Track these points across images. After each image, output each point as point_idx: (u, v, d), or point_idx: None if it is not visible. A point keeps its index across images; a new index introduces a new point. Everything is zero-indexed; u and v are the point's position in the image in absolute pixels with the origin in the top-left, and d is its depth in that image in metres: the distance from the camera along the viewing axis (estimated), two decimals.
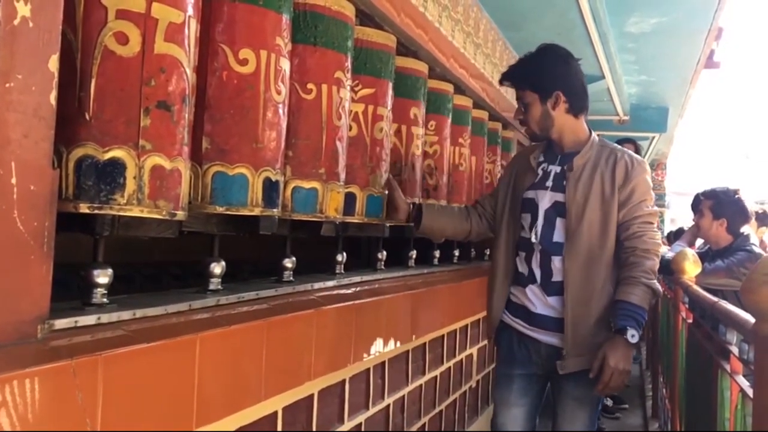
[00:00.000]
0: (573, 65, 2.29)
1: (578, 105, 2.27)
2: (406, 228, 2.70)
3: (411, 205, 2.50)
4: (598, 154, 2.24)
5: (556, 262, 2.22)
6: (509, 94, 4.54)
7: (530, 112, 2.27)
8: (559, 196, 2.24)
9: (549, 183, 2.28)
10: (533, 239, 2.25)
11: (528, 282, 2.28)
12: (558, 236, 2.22)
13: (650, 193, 2.24)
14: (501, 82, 2.39)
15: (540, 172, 2.32)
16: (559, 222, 2.22)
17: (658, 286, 2.12)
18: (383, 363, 2.47)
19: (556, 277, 2.22)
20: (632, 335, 2.03)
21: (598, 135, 2.37)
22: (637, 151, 4.71)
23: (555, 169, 2.29)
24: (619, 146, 2.32)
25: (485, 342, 3.72)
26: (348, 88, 2.18)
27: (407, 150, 2.80)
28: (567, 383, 2.23)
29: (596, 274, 2.17)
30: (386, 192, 2.49)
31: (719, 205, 3.73)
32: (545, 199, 2.26)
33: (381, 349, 2.41)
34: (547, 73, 2.24)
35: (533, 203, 2.29)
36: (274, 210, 1.83)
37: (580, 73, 2.30)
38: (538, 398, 2.37)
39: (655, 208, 2.23)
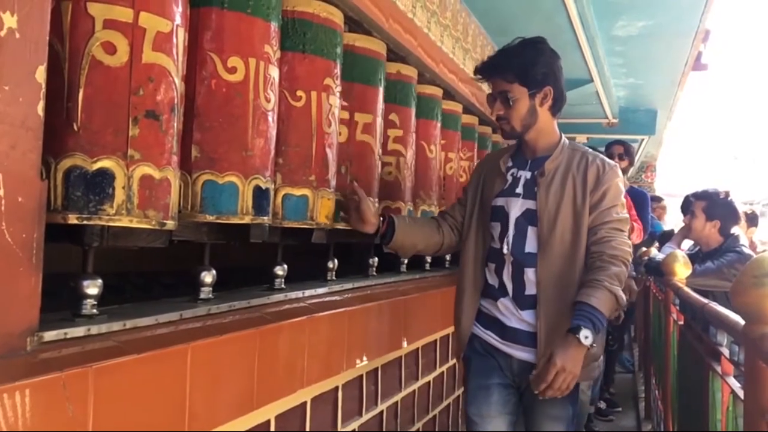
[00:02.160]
0: (560, 61, 2.16)
1: (560, 104, 2.16)
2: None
3: (381, 218, 2.26)
4: (570, 158, 2.12)
5: (530, 274, 2.07)
6: None
7: (516, 108, 2.08)
8: (530, 204, 2.09)
9: (519, 190, 2.13)
10: (504, 250, 2.10)
11: (499, 295, 2.13)
12: (530, 246, 2.08)
13: (621, 198, 2.11)
14: (481, 73, 2.16)
15: (509, 177, 2.17)
16: (530, 231, 2.08)
17: (622, 295, 1.97)
18: (376, 369, 2.46)
19: (530, 290, 2.07)
20: (585, 336, 1.85)
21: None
22: (628, 151, 4.70)
23: (525, 174, 2.15)
24: (591, 150, 2.20)
25: None
26: (337, 95, 2.18)
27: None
28: (541, 401, 2.02)
29: (570, 286, 2.03)
30: (349, 198, 2.31)
31: (713, 207, 3.74)
32: (516, 207, 2.11)
33: (374, 355, 2.41)
34: (541, 66, 2.08)
35: (503, 211, 2.13)
36: (265, 218, 1.83)
37: (563, 71, 2.18)
38: (516, 413, 2.18)
39: (626, 215, 2.11)
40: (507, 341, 2.11)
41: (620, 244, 2.04)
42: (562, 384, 1.85)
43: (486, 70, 2.14)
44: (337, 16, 2.17)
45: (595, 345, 1.90)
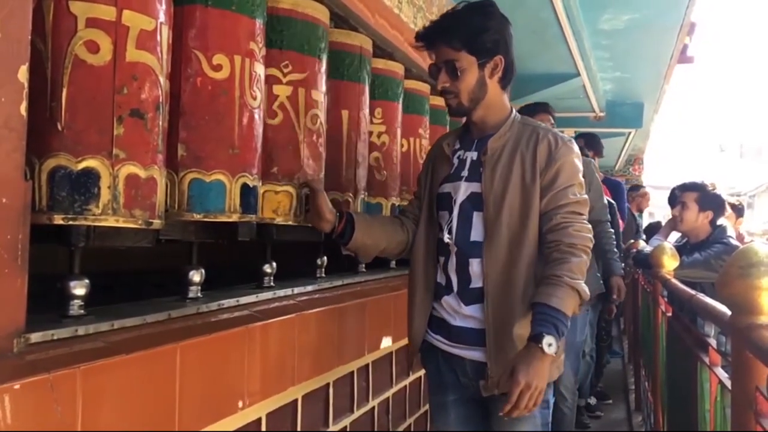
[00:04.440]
0: (510, 27, 1.91)
1: (510, 76, 1.92)
2: None
3: (338, 215, 1.98)
4: (519, 135, 1.87)
5: (474, 265, 1.85)
6: None
7: (464, 79, 1.84)
8: (475, 186, 1.86)
9: (464, 172, 1.90)
10: (446, 239, 1.89)
11: (445, 292, 1.91)
12: (476, 234, 1.85)
13: (578, 177, 1.86)
14: (423, 40, 1.90)
15: (456, 161, 1.94)
16: (476, 217, 1.85)
17: (585, 288, 1.75)
18: (367, 365, 2.46)
19: (475, 282, 1.85)
20: (549, 344, 1.64)
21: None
22: (590, 143, 4.63)
23: (471, 155, 1.91)
24: (544, 125, 1.97)
25: None
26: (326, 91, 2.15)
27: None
28: (498, 401, 1.80)
29: (516, 276, 1.81)
30: (305, 191, 2.08)
31: (705, 198, 3.75)
32: (461, 191, 1.89)
33: (364, 351, 2.41)
34: (492, 32, 1.84)
35: (449, 198, 1.91)
36: (253, 216, 1.82)
37: (513, 39, 1.93)
38: (483, 426, 1.95)
39: (585, 196, 1.86)
40: (454, 342, 1.90)
41: (579, 230, 1.80)
42: (528, 402, 1.63)
43: (430, 36, 1.89)
44: (310, 8, 2.09)
45: (557, 353, 1.69)
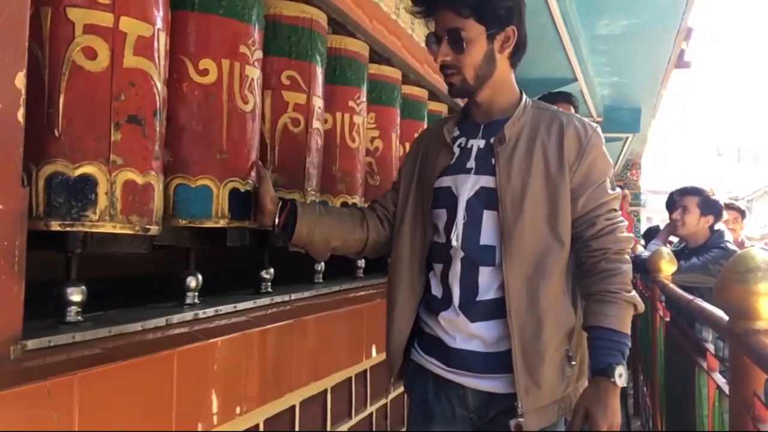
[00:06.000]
0: None
1: (521, 53, 1.66)
2: None
3: (280, 205, 1.73)
4: (536, 120, 1.60)
5: (485, 274, 1.56)
6: None
7: (470, 52, 1.56)
8: (486, 180, 1.58)
9: (471, 164, 1.61)
10: (453, 243, 1.58)
11: (441, 307, 1.61)
12: (487, 237, 1.56)
13: (611, 169, 1.63)
14: (423, 3, 1.62)
15: (456, 150, 1.65)
16: (487, 216, 1.57)
17: (640, 300, 1.56)
18: (365, 371, 2.46)
19: (484, 294, 1.56)
20: (620, 375, 1.45)
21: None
22: (576, 110, 4.60)
23: (477, 143, 1.62)
24: (560, 109, 1.70)
25: None
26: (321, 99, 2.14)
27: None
28: None
29: (547, 286, 1.53)
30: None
31: (707, 202, 3.76)
32: (467, 186, 1.59)
33: (362, 357, 2.41)
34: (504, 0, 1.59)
35: (450, 194, 1.61)
36: (245, 221, 1.81)
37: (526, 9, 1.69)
38: None
39: (618, 189, 1.65)
40: (454, 368, 1.60)
41: (622, 231, 1.58)
42: None
43: None
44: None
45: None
